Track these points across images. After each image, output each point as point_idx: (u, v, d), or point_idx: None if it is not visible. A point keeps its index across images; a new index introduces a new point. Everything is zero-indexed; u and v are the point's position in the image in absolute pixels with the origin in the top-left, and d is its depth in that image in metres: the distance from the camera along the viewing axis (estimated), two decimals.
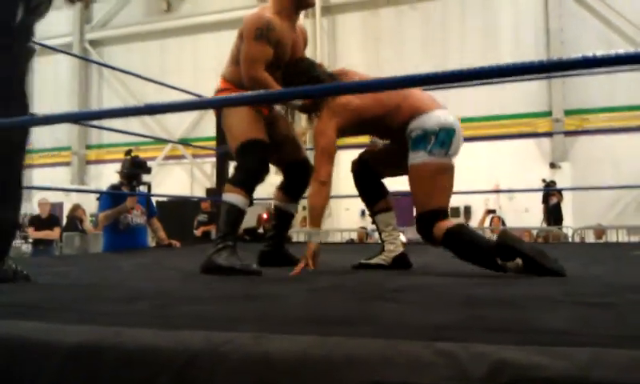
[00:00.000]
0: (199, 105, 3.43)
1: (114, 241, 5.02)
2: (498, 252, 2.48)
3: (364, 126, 2.91)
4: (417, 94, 2.85)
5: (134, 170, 4.96)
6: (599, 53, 1.49)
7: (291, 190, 3.27)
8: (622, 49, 9.58)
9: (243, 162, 2.91)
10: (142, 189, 5.15)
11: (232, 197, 2.86)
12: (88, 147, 16.21)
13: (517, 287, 2.11)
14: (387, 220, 3.00)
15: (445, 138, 2.67)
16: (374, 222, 3.12)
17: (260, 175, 2.92)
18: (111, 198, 5.04)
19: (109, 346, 1.13)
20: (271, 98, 2.64)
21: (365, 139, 3.28)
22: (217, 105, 3.28)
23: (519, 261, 2.42)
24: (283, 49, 2.95)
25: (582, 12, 11.98)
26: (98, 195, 5.49)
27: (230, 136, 3.03)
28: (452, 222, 2.69)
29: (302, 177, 3.21)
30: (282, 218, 3.32)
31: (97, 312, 1.68)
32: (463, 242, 2.65)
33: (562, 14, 11.98)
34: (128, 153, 5.04)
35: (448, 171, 2.75)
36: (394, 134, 2.90)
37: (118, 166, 5.20)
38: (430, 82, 2.05)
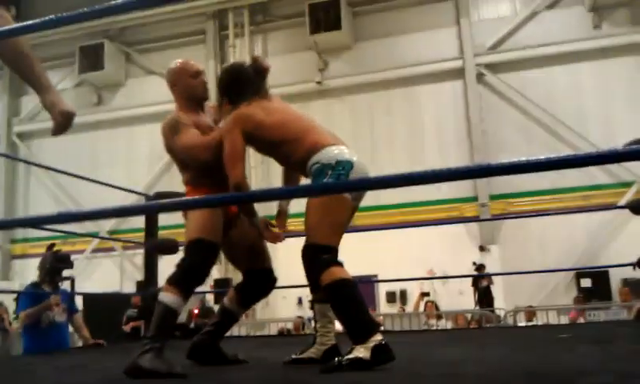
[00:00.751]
0: (127, 211, 3.38)
1: (36, 340, 4.75)
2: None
3: (265, 145, 2.96)
4: (318, 129, 2.93)
5: (57, 264, 4.77)
6: (525, 158, 1.51)
7: (246, 294, 3.20)
8: (540, 136, 10.14)
9: (187, 260, 2.86)
10: (65, 284, 4.95)
11: (168, 297, 2.78)
12: (13, 241, 15.56)
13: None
14: (324, 310, 2.93)
15: (341, 172, 2.68)
16: (312, 308, 3.07)
17: (201, 278, 2.86)
18: (32, 296, 4.80)
19: None
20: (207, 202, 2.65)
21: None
22: (146, 211, 3.26)
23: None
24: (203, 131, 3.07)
25: (500, 103, 12.61)
26: (16, 295, 5.18)
27: (186, 227, 2.98)
28: (344, 272, 2.67)
29: (261, 286, 3.19)
30: (226, 317, 3.20)
31: None
32: (347, 299, 2.63)
33: (482, 106, 12.60)
34: (49, 248, 4.87)
35: (342, 207, 2.76)
36: (294, 167, 2.97)
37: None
38: (360, 187, 2.12)
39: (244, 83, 3.01)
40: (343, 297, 2.64)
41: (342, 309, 2.65)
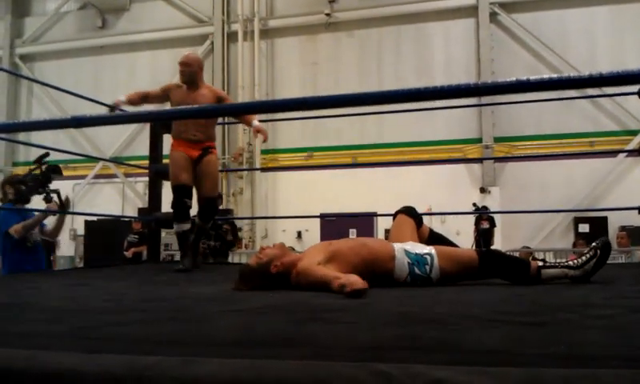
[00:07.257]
0: (127, 119, 3.33)
1: (19, 260, 4.57)
2: None
3: None
4: None
5: (49, 173, 4.48)
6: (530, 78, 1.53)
7: (201, 213, 4.48)
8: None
9: (173, 200, 4.31)
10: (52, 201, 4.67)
11: (174, 227, 4.37)
12: (15, 164, 15.54)
13: (449, 306, 2.11)
14: None
15: None
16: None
17: (181, 209, 4.28)
18: (15, 213, 4.67)
19: (21, 369, 1.05)
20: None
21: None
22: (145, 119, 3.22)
23: None
24: None
25: (512, 44, 12.44)
26: None
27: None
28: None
29: (204, 208, 4.46)
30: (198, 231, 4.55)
31: (10, 333, 1.58)
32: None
33: (493, 46, 12.41)
34: (40, 160, 4.53)
35: None
36: None
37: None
38: (368, 101, 2.07)
39: None
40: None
41: None
